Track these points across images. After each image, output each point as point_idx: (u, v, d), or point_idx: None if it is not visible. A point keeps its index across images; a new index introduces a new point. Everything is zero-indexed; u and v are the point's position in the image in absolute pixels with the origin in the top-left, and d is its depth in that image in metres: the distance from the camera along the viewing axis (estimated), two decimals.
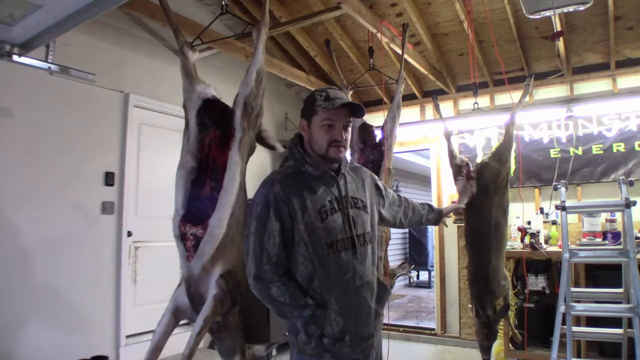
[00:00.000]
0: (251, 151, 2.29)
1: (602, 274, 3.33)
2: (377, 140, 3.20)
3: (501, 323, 3.28)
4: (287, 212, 1.39)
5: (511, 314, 3.55)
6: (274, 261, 1.38)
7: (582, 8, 2.55)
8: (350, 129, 1.51)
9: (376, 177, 1.72)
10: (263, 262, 1.38)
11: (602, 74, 3.99)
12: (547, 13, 2.62)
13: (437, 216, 2.00)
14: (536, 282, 3.61)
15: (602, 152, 3.92)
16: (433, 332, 4.61)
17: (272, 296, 1.38)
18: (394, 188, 8.38)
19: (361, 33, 4.23)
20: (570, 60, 4.06)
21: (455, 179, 3.11)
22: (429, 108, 4.82)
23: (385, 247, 3.01)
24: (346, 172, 1.54)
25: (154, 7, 2.88)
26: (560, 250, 2.89)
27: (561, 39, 3.50)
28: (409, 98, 4.85)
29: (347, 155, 1.57)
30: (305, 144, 1.51)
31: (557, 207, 2.92)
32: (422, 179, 9.10)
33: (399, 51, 3.45)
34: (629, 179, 2.87)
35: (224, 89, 2.48)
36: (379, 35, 3.36)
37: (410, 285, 8.51)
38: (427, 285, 8.16)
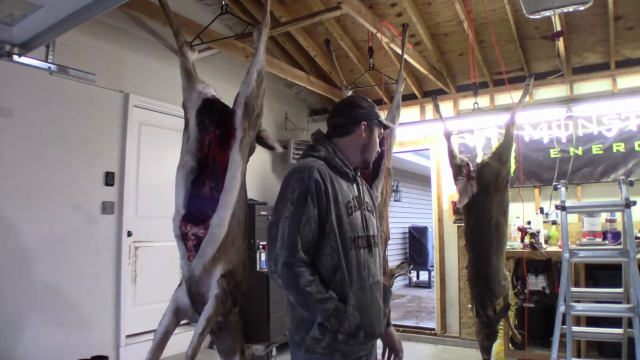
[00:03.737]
0: (251, 151, 2.29)
1: (602, 274, 3.33)
2: None
3: (501, 323, 3.29)
4: (324, 201, 1.39)
5: (511, 314, 3.55)
6: (306, 249, 1.36)
7: (582, 8, 2.55)
8: None
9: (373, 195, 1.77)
10: (298, 247, 1.35)
11: (602, 74, 3.99)
12: (547, 13, 2.62)
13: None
14: (536, 282, 3.61)
15: (602, 152, 3.92)
16: (433, 332, 4.61)
17: (300, 285, 1.34)
18: (394, 188, 8.40)
19: (361, 33, 4.24)
20: (570, 60, 4.06)
21: (456, 179, 3.12)
22: (429, 108, 4.82)
23: (384, 246, 3.01)
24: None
25: (154, 7, 2.88)
26: (560, 250, 2.89)
27: (561, 39, 3.50)
28: (409, 98, 4.85)
29: None
30: (342, 144, 1.55)
31: (557, 207, 2.92)
32: (422, 179, 9.10)
33: (399, 51, 3.45)
34: (629, 179, 2.87)
35: (224, 89, 2.48)
36: (379, 35, 3.36)
37: (410, 285, 8.51)
38: (427, 285, 8.16)
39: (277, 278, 1.38)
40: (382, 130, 1.61)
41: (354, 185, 1.53)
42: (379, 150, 1.61)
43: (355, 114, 1.56)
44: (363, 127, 1.54)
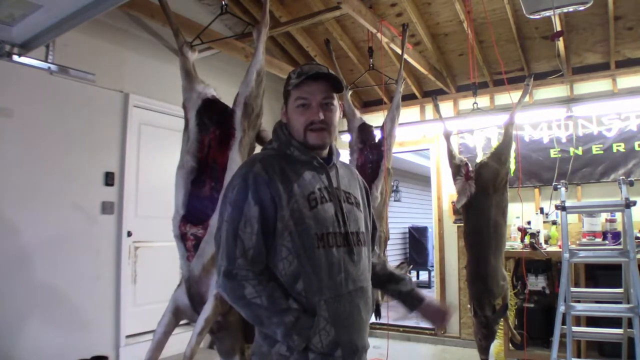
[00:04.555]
0: (251, 151, 2.30)
1: (602, 274, 3.33)
2: (377, 140, 3.20)
3: (501, 323, 3.29)
4: (269, 196, 1.17)
5: (511, 314, 3.55)
6: (250, 255, 1.15)
7: (582, 8, 2.55)
8: (334, 107, 1.27)
9: (368, 191, 1.48)
10: (237, 254, 1.14)
11: (602, 74, 3.99)
12: (547, 13, 2.62)
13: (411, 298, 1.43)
14: (536, 282, 3.61)
15: (602, 152, 3.92)
16: (433, 332, 4.61)
17: (246, 297, 1.13)
18: (394, 188, 8.40)
19: (361, 33, 4.23)
20: (570, 60, 4.06)
21: (455, 179, 3.12)
22: (429, 108, 4.82)
23: (384, 246, 3.01)
24: (338, 164, 1.34)
25: (154, 7, 2.88)
26: (560, 250, 2.90)
27: (561, 39, 3.51)
28: (409, 98, 4.85)
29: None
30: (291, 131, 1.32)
31: (557, 207, 2.93)
32: (422, 179, 9.10)
33: (399, 51, 3.45)
34: (629, 179, 2.87)
35: (224, 89, 2.48)
36: (379, 35, 3.36)
37: None
38: (427, 285, 8.16)
39: (222, 292, 1.18)
40: (300, 91, 1.25)
41: (324, 175, 1.27)
42: (314, 120, 1.24)
43: (283, 91, 1.31)
44: (283, 110, 1.32)
